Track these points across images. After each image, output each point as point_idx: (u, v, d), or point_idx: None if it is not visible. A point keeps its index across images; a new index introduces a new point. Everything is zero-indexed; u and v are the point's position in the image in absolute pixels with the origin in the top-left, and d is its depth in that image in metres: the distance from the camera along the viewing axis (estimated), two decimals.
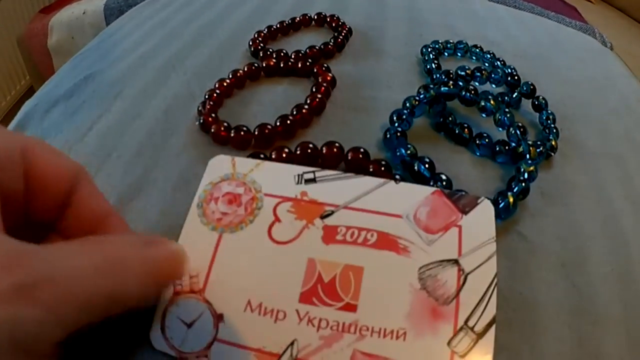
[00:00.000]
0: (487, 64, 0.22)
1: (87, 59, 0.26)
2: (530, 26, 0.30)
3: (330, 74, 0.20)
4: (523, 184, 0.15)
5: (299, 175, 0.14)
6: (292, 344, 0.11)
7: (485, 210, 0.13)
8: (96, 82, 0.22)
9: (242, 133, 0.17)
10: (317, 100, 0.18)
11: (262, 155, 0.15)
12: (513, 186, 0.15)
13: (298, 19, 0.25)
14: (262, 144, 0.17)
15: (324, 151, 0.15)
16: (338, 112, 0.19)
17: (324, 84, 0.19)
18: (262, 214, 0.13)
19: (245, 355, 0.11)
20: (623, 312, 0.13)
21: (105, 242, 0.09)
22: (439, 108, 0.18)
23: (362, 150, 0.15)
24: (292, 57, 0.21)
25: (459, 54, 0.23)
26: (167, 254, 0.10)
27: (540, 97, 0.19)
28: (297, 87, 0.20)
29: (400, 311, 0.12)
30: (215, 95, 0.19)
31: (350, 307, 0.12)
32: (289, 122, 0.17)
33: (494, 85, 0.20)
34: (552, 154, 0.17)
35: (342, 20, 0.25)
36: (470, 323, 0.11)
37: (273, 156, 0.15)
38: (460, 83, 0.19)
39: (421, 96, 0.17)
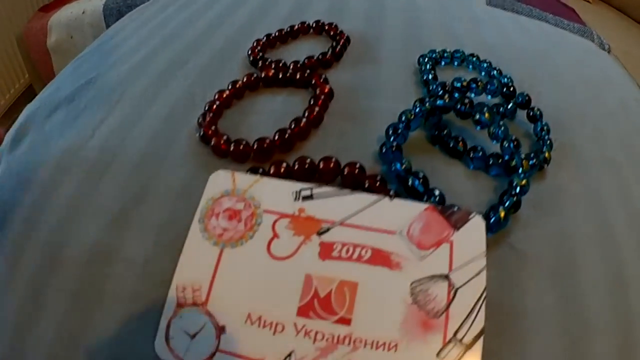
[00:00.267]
0: (483, 73, 0.23)
1: (88, 62, 0.26)
2: (528, 30, 0.30)
3: (328, 86, 0.20)
4: (515, 198, 0.15)
5: (296, 191, 0.14)
6: (290, 354, 0.12)
7: (476, 226, 0.14)
8: (97, 86, 0.22)
9: (241, 147, 0.17)
10: (315, 113, 0.18)
11: (261, 170, 0.16)
12: (505, 200, 0.15)
13: (297, 27, 0.25)
14: (261, 157, 0.17)
15: (321, 166, 0.16)
16: (335, 123, 0.19)
17: (322, 97, 0.19)
18: (262, 230, 0.14)
19: None
20: (613, 319, 0.14)
21: None
22: (434, 120, 0.18)
23: (358, 165, 0.16)
24: (291, 67, 0.22)
25: (455, 63, 0.23)
26: None
27: (535, 108, 0.20)
28: (296, 97, 0.21)
29: (392, 324, 0.12)
30: (214, 106, 0.19)
31: (345, 321, 0.12)
32: (287, 135, 0.17)
33: (489, 97, 0.21)
34: (545, 165, 0.18)
35: (340, 29, 0.25)
36: (459, 335, 0.12)
37: (272, 171, 0.16)
38: (456, 95, 0.19)
39: (417, 110, 0.18)
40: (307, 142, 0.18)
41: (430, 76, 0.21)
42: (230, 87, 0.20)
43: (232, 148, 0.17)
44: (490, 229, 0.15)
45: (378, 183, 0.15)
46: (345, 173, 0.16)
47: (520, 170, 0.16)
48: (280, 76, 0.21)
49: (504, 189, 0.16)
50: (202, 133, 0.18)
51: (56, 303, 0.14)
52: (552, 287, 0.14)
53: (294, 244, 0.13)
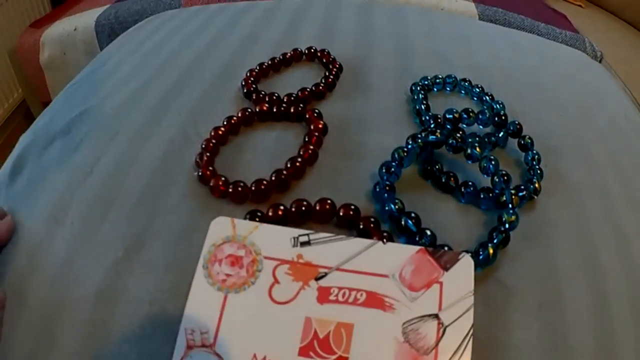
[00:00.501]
0: (475, 98, 0.23)
1: (80, 90, 0.26)
2: (520, 47, 0.30)
3: (321, 122, 0.20)
4: (503, 235, 0.16)
5: (294, 238, 0.15)
6: None
7: (465, 266, 0.15)
8: (91, 119, 0.22)
9: (239, 188, 0.18)
10: (310, 151, 0.19)
11: (259, 214, 0.17)
12: (494, 237, 0.16)
13: (289, 54, 0.25)
14: (258, 197, 0.18)
15: (317, 208, 0.17)
16: (329, 160, 0.19)
17: (316, 133, 0.20)
18: (263, 276, 0.14)
19: None
20: (597, 346, 0.14)
21: None
22: (426, 155, 0.19)
23: (352, 207, 0.16)
24: (285, 100, 0.22)
25: (447, 89, 0.23)
26: None
27: (527, 137, 0.20)
28: (290, 132, 0.21)
29: None
30: (211, 144, 0.20)
31: (343, 359, 0.13)
32: (283, 176, 0.18)
33: (481, 127, 0.21)
34: (535, 196, 0.18)
35: (332, 56, 0.25)
36: None
37: (270, 214, 0.17)
38: (448, 126, 0.20)
39: (409, 147, 0.18)
40: (302, 180, 0.19)
41: (422, 106, 0.21)
42: (225, 123, 0.21)
43: (230, 189, 0.18)
44: (479, 265, 0.15)
45: (372, 225, 0.16)
46: (340, 214, 0.16)
47: (509, 206, 0.17)
48: (275, 110, 0.21)
49: (494, 224, 0.17)
50: (200, 173, 0.18)
51: (66, 344, 0.14)
52: (537, 319, 0.15)
53: (294, 289, 0.14)
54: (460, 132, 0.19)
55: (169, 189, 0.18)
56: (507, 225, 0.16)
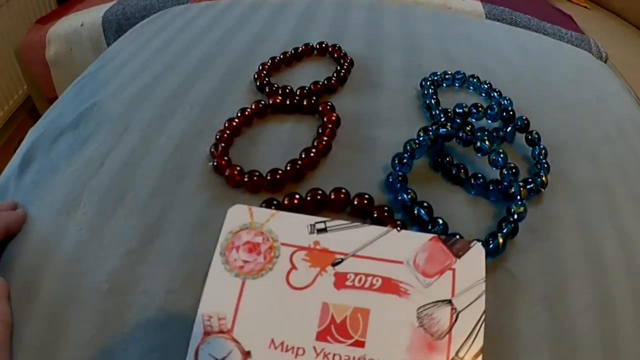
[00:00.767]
0: (484, 94, 0.23)
1: (89, 84, 0.26)
2: (526, 48, 0.31)
3: (334, 114, 0.21)
4: (512, 225, 0.16)
5: (311, 225, 0.15)
6: None
7: (476, 254, 0.15)
8: (101, 113, 0.22)
9: (255, 178, 0.18)
10: (324, 142, 0.19)
11: (275, 202, 0.17)
12: (503, 227, 0.16)
13: (300, 48, 0.26)
14: (274, 187, 0.18)
15: (332, 197, 0.17)
16: (342, 152, 0.20)
17: (329, 125, 0.20)
18: (280, 262, 0.15)
19: None
20: (600, 341, 0.15)
21: None
22: (437, 148, 0.19)
23: (367, 196, 0.17)
24: (297, 93, 0.22)
25: (456, 85, 0.24)
26: None
27: (534, 132, 0.21)
28: (303, 124, 0.21)
29: (401, 346, 0.14)
30: (225, 135, 0.20)
31: (359, 344, 0.14)
32: (298, 166, 0.18)
33: (489, 121, 0.21)
34: (542, 189, 0.19)
35: (344, 51, 0.25)
36: (461, 354, 0.14)
37: (286, 202, 0.17)
38: (458, 120, 0.20)
39: (421, 139, 0.19)
40: (316, 171, 0.19)
41: (432, 101, 0.22)
42: (239, 114, 0.21)
43: (246, 179, 0.18)
44: (489, 254, 0.16)
45: (386, 214, 0.16)
46: (355, 203, 0.17)
47: (518, 198, 0.17)
48: (288, 102, 0.22)
49: (503, 215, 0.17)
50: (215, 163, 0.19)
51: (78, 334, 0.14)
52: (544, 310, 0.15)
53: (311, 275, 0.15)
54: (470, 126, 0.20)
55: (183, 180, 0.18)
56: (515, 216, 0.17)
